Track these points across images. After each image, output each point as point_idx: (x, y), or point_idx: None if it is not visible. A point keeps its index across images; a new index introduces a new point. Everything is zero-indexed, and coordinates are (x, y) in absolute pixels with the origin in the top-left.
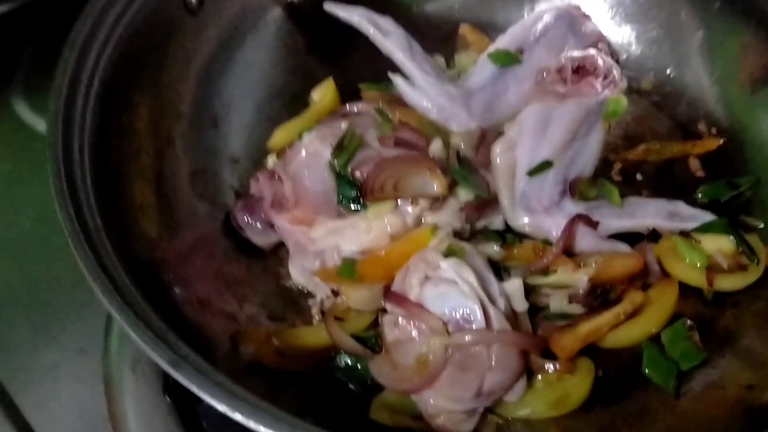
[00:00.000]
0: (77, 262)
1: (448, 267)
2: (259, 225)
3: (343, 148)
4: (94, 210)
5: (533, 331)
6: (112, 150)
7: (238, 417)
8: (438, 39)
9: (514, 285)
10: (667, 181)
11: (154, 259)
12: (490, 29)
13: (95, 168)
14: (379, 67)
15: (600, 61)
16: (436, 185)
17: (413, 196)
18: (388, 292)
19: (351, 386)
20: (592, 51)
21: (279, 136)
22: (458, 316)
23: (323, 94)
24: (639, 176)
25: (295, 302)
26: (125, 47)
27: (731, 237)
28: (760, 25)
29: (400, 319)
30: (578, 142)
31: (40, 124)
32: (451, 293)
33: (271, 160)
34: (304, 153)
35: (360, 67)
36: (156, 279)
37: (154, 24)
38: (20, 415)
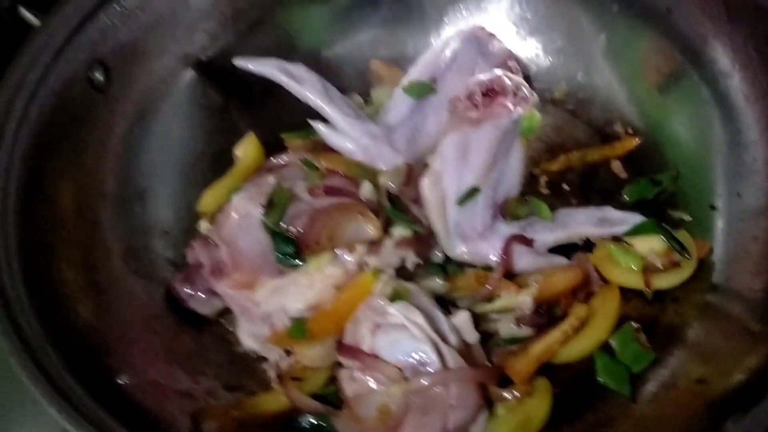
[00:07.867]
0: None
1: (396, 312)
2: (201, 294)
3: (274, 205)
4: (25, 305)
5: (488, 358)
6: (38, 240)
7: None
8: (352, 78)
9: (462, 318)
10: (593, 187)
11: (93, 345)
12: (401, 61)
13: (22, 258)
14: (301, 113)
15: (507, 81)
16: (370, 228)
17: (349, 243)
18: (341, 346)
19: None
20: (498, 71)
21: (208, 199)
22: (413, 361)
23: (246, 149)
24: (565, 186)
25: (250, 368)
26: (38, 138)
27: (661, 236)
28: (657, 24)
29: (356, 372)
30: (500, 163)
31: None
32: (403, 339)
33: (203, 225)
34: (235, 215)
35: (281, 116)
36: (99, 369)
37: (64, 108)
38: None
